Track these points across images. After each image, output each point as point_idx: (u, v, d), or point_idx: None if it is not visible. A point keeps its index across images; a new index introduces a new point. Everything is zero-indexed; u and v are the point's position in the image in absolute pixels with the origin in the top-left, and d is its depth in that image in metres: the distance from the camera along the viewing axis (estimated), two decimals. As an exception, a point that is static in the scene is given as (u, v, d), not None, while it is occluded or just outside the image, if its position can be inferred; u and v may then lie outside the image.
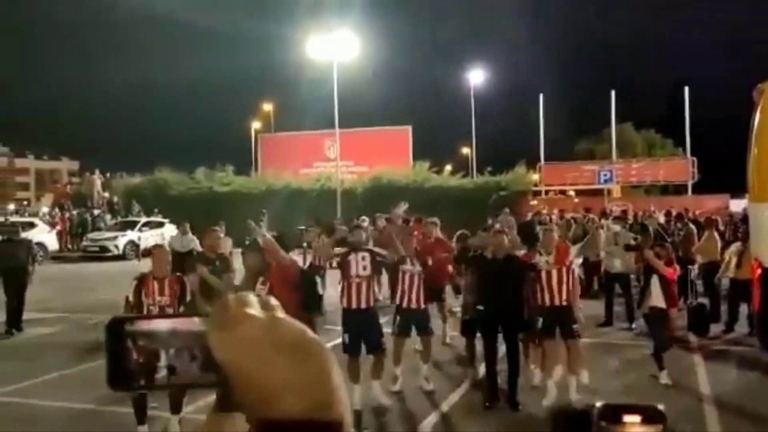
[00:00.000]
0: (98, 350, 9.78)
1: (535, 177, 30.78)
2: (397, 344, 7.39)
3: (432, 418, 6.81)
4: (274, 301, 0.63)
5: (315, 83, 33.21)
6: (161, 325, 0.63)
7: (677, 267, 8.23)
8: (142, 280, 6.23)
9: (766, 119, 8.08)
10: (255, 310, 0.60)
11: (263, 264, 6.56)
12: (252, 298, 0.61)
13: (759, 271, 8.28)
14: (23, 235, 13.18)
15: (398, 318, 7.42)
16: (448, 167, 36.14)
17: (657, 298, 7.92)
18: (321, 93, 32.03)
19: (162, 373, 0.62)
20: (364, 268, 7.00)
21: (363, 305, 6.98)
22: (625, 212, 16.99)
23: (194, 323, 0.62)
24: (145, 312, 6.16)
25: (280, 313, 0.61)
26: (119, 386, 0.63)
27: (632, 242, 11.11)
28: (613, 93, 30.69)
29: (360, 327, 6.91)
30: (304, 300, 6.67)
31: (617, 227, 11.96)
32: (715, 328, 10.64)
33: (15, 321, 11.11)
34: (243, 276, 6.85)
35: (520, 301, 7.05)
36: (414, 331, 7.52)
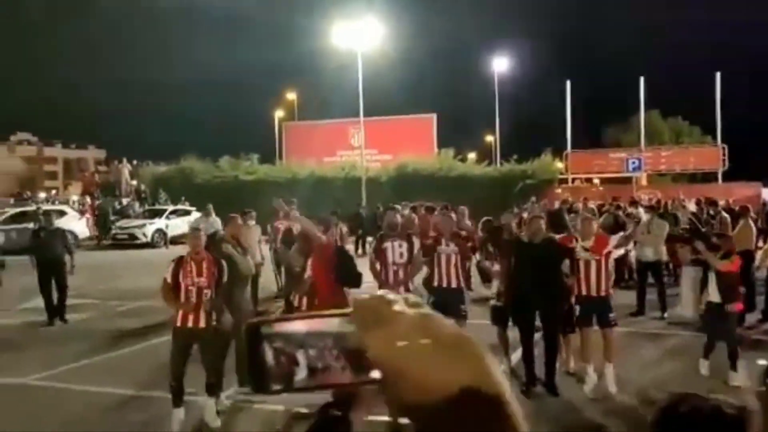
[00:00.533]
0: (130, 337, 9.93)
1: (560, 165, 30.47)
2: None
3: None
4: (415, 297, 0.63)
5: (339, 72, 33.25)
6: (298, 326, 0.63)
7: (737, 258, 7.66)
8: (179, 262, 6.28)
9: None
10: (402, 307, 0.60)
11: (308, 246, 6.82)
12: (395, 295, 0.62)
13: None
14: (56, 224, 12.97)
15: (431, 297, 7.31)
16: (472, 155, 35.94)
17: (714, 294, 7.50)
18: (344, 81, 32.03)
19: (301, 375, 0.61)
20: (401, 255, 6.97)
21: (402, 290, 6.94)
22: (659, 201, 16.72)
23: (333, 324, 0.62)
24: (183, 293, 6.22)
25: (427, 309, 0.61)
26: (260, 390, 0.62)
27: (667, 231, 10.94)
28: (642, 79, 30.19)
29: None
30: (344, 277, 6.61)
31: (647, 216, 11.78)
32: (750, 318, 10.46)
33: (58, 312, 11.02)
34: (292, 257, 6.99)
35: (558, 287, 6.95)
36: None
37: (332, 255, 6.69)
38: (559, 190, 26.87)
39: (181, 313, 6.19)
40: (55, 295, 11.10)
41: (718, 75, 28.61)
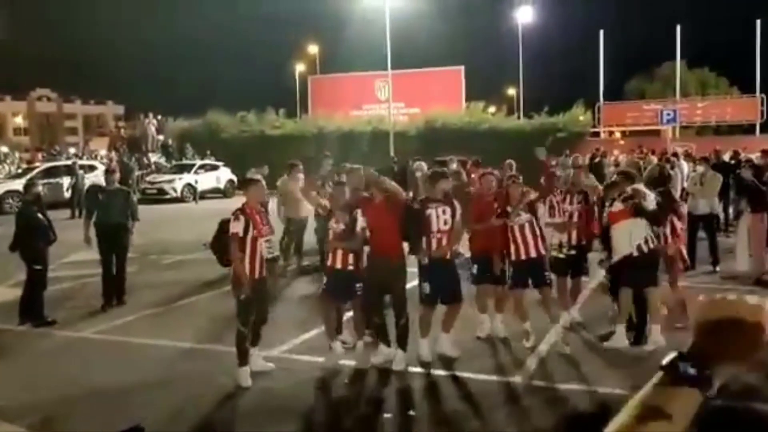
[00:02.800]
0: (181, 290, 9.95)
1: (585, 117, 29.71)
2: (516, 298, 7.16)
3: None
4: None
5: (361, 24, 32.58)
6: None
7: None
8: (249, 214, 6.15)
9: None
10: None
11: (354, 199, 6.82)
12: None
13: None
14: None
15: (512, 270, 7.14)
16: (492, 109, 35.29)
17: None
18: (367, 34, 31.43)
19: None
20: (445, 222, 6.56)
21: (447, 255, 6.70)
22: (718, 152, 16.11)
23: None
24: (256, 245, 6.12)
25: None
26: None
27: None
28: (678, 28, 29.27)
29: (441, 277, 6.62)
30: (410, 233, 6.59)
31: (701, 168, 11.50)
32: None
33: (117, 291, 9.23)
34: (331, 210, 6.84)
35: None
36: (530, 282, 7.13)
37: (402, 207, 6.64)
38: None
39: (257, 265, 6.13)
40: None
41: (758, 23, 27.63)
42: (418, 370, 6.45)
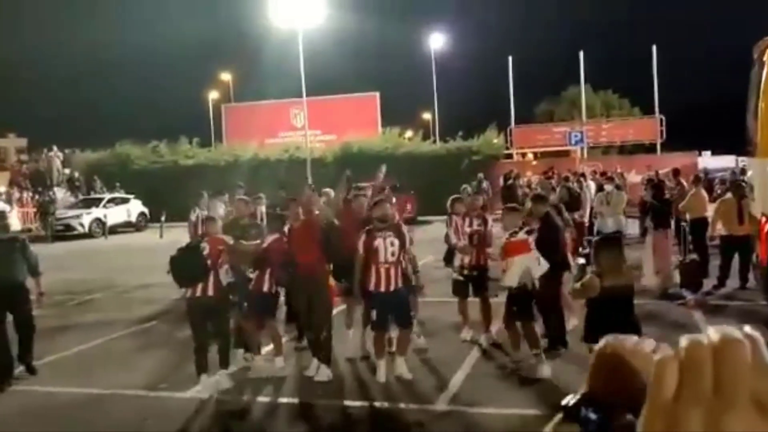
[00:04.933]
0: (88, 332, 9.43)
1: (498, 141, 30.56)
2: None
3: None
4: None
5: (275, 51, 32.43)
6: None
7: None
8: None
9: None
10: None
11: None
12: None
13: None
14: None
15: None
16: (409, 133, 35.82)
17: None
18: (281, 62, 31.31)
19: None
20: (393, 253, 6.44)
21: (392, 288, 6.55)
22: (603, 173, 17.00)
23: None
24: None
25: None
26: None
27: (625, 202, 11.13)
28: (582, 54, 30.69)
29: (387, 305, 6.60)
30: (330, 252, 6.89)
31: (608, 187, 12.01)
32: (708, 284, 10.77)
33: (22, 359, 7.58)
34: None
35: None
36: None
37: (318, 231, 6.92)
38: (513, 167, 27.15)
39: None
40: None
41: (654, 48, 29.39)
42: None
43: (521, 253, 6.54)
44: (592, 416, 0.72)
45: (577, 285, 5.45)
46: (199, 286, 6.57)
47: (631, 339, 0.80)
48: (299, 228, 6.91)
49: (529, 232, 6.72)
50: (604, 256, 5.20)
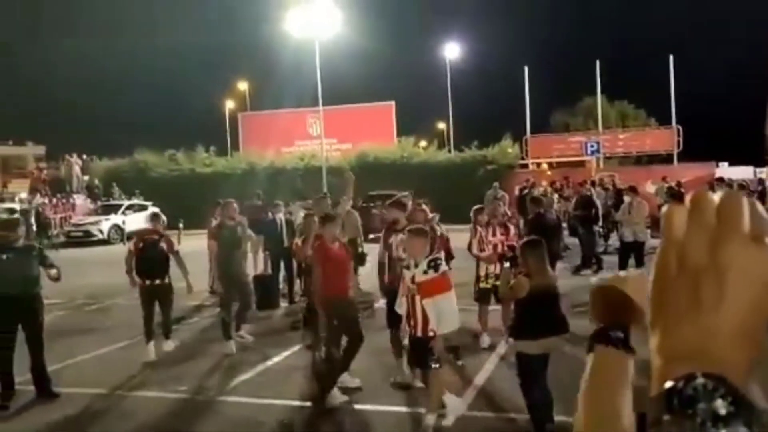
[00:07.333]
0: (107, 336, 9.54)
1: (513, 150, 30.50)
2: None
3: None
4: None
5: (292, 60, 32.66)
6: None
7: None
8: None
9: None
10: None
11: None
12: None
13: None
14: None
15: None
16: (424, 143, 35.92)
17: None
18: (298, 71, 31.50)
19: None
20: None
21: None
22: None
23: None
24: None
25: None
26: None
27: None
28: (597, 63, 30.65)
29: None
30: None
31: (628, 197, 11.98)
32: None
33: (37, 382, 6.97)
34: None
35: None
36: None
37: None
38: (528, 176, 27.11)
39: None
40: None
41: (671, 58, 29.20)
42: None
43: (442, 292, 5.53)
44: (620, 335, 0.87)
45: (508, 286, 5.55)
46: None
47: (615, 274, 0.95)
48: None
49: (434, 264, 5.58)
50: (531, 259, 5.27)
